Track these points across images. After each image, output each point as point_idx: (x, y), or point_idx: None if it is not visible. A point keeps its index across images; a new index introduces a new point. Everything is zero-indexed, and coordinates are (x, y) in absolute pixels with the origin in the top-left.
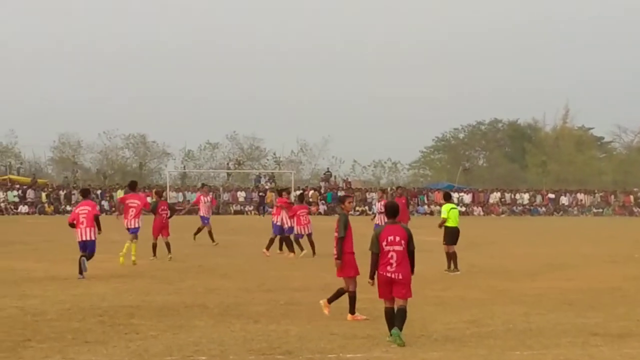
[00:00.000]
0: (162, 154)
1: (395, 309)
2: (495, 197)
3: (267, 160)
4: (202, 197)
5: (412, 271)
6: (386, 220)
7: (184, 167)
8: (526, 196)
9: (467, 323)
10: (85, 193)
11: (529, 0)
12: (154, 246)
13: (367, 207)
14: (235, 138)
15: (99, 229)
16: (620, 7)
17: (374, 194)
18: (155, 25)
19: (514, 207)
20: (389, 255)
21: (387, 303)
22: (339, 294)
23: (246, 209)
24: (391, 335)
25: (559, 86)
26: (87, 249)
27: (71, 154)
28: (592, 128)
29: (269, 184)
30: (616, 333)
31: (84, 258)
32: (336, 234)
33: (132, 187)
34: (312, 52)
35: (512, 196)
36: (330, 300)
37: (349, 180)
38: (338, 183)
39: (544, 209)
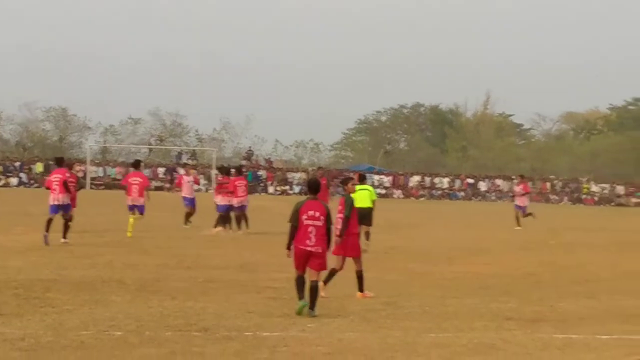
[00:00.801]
0: (83, 128)
1: (308, 284)
2: (415, 180)
3: (190, 137)
4: (184, 177)
5: (328, 247)
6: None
7: (105, 141)
8: (445, 180)
9: (384, 304)
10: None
11: None
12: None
13: (288, 187)
14: (157, 114)
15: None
16: None
17: (295, 173)
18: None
19: (433, 191)
20: (309, 230)
21: (299, 272)
22: (331, 274)
23: (166, 185)
24: (299, 301)
25: (481, 72)
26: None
27: None
28: (512, 115)
29: (190, 160)
30: (529, 318)
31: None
32: (341, 215)
33: (136, 166)
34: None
35: (432, 180)
36: (325, 282)
37: (271, 159)
38: (260, 162)
39: (462, 193)
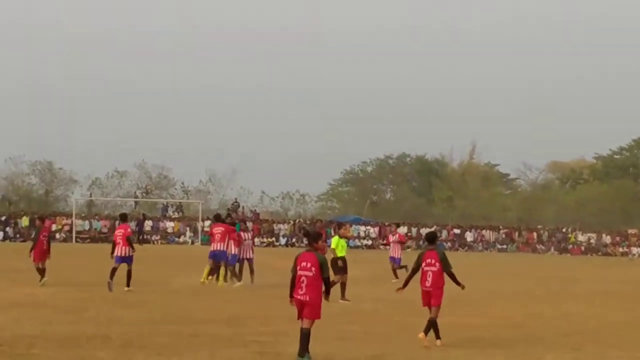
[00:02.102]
0: (69, 181)
1: (301, 330)
2: (401, 231)
3: (176, 189)
4: (242, 234)
5: (327, 295)
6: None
7: (91, 194)
8: (432, 230)
9: (370, 358)
10: (123, 217)
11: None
12: (39, 270)
13: (274, 239)
14: (143, 167)
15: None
16: (531, 44)
17: (281, 225)
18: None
19: (420, 242)
20: (301, 280)
21: (301, 324)
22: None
23: (153, 237)
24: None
25: (466, 121)
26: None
27: None
28: (498, 164)
29: (176, 213)
30: None
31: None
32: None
33: (217, 218)
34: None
35: (418, 230)
36: (426, 332)
37: (257, 211)
38: (246, 214)
39: (449, 244)
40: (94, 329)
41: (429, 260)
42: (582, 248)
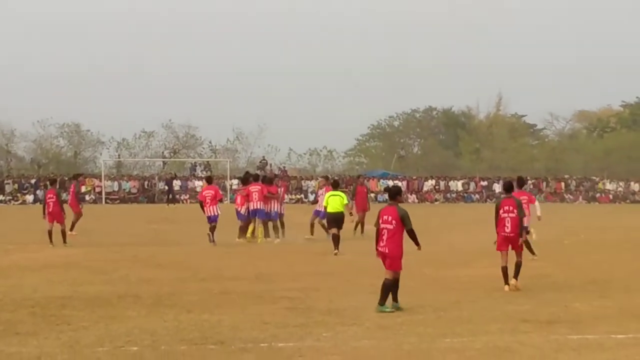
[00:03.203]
0: (97, 143)
1: (389, 278)
2: (429, 184)
3: (203, 148)
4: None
5: (417, 245)
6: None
7: (119, 155)
8: (460, 183)
9: (398, 311)
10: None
11: None
12: (49, 233)
13: (302, 195)
14: (170, 126)
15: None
16: None
17: (309, 181)
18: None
19: (448, 194)
20: (382, 232)
21: (386, 274)
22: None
23: (181, 197)
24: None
25: (493, 73)
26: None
27: (4, 142)
28: (524, 115)
29: (204, 172)
30: (545, 319)
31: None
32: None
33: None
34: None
35: (446, 183)
36: (515, 276)
37: (285, 168)
38: (274, 171)
39: (477, 196)
40: (125, 288)
41: (506, 207)
42: (610, 196)
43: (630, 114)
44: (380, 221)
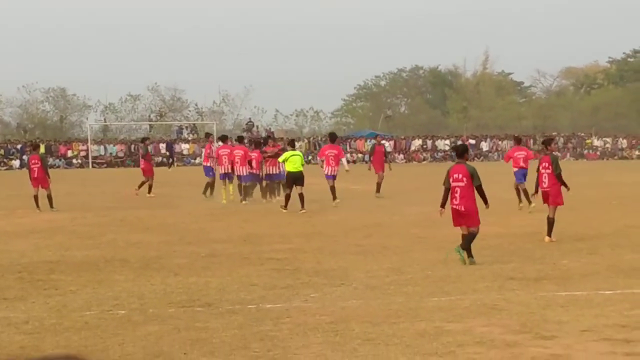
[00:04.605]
0: (83, 107)
1: (466, 233)
2: (416, 144)
3: (189, 111)
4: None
5: (486, 203)
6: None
7: (105, 119)
8: (447, 142)
9: (387, 271)
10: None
11: None
12: (35, 198)
13: None
14: (156, 89)
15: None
16: None
17: (297, 142)
18: None
19: (435, 154)
20: (455, 190)
21: (463, 230)
22: (550, 223)
23: (169, 161)
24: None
25: (479, 31)
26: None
27: None
28: (511, 73)
29: (191, 135)
30: (532, 277)
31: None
32: (549, 171)
33: (224, 140)
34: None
35: (433, 143)
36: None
37: (272, 130)
38: (260, 133)
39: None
40: (112, 252)
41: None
42: (598, 153)
43: (617, 69)
44: (451, 180)
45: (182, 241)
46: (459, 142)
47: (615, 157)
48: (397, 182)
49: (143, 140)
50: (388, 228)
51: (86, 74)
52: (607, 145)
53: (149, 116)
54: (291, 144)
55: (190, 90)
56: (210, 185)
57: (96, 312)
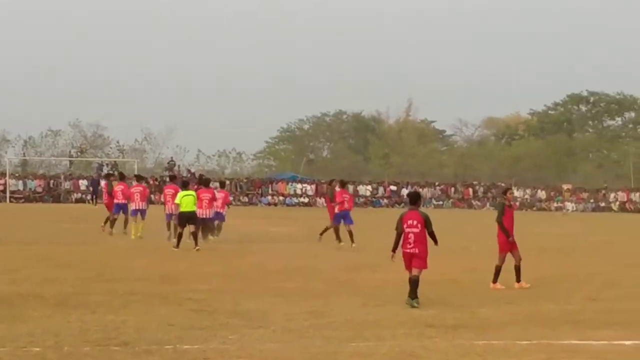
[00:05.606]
0: (2, 141)
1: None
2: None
3: (111, 148)
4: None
5: (436, 243)
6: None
7: (25, 154)
8: (369, 188)
9: (306, 314)
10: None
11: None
12: None
13: None
14: (78, 125)
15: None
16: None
17: (216, 183)
18: None
19: (357, 199)
20: (409, 236)
21: (410, 273)
22: (517, 270)
23: (87, 197)
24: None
25: (403, 79)
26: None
27: None
28: (434, 121)
29: (111, 171)
30: (451, 324)
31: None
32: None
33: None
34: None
35: (355, 187)
36: (494, 281)
37: (193, 170)
38: (182, 172)
39: (386, 200)
40: (28, 288)
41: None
42: (517, 203)
43: (538, 121)
44: (405, 225)
45: (100, 278)
46: (392, 188)
47: (534, 208)
48: (318, 225)
49: (107, 176)
50: (308, 271)
51: (6, 109)
52: (527, 197)
53: (70, 152)
54: (184, 185)
55: (112, 128)
56: (112, 222)
57: (9, 349)
